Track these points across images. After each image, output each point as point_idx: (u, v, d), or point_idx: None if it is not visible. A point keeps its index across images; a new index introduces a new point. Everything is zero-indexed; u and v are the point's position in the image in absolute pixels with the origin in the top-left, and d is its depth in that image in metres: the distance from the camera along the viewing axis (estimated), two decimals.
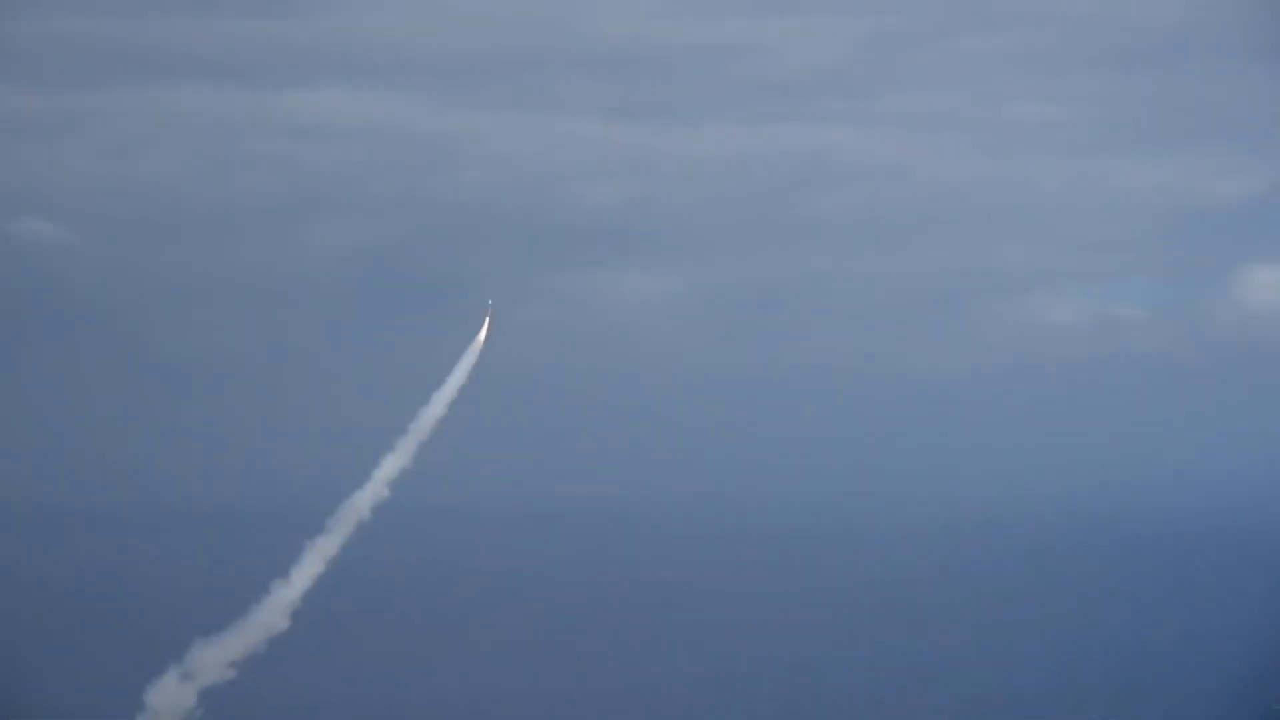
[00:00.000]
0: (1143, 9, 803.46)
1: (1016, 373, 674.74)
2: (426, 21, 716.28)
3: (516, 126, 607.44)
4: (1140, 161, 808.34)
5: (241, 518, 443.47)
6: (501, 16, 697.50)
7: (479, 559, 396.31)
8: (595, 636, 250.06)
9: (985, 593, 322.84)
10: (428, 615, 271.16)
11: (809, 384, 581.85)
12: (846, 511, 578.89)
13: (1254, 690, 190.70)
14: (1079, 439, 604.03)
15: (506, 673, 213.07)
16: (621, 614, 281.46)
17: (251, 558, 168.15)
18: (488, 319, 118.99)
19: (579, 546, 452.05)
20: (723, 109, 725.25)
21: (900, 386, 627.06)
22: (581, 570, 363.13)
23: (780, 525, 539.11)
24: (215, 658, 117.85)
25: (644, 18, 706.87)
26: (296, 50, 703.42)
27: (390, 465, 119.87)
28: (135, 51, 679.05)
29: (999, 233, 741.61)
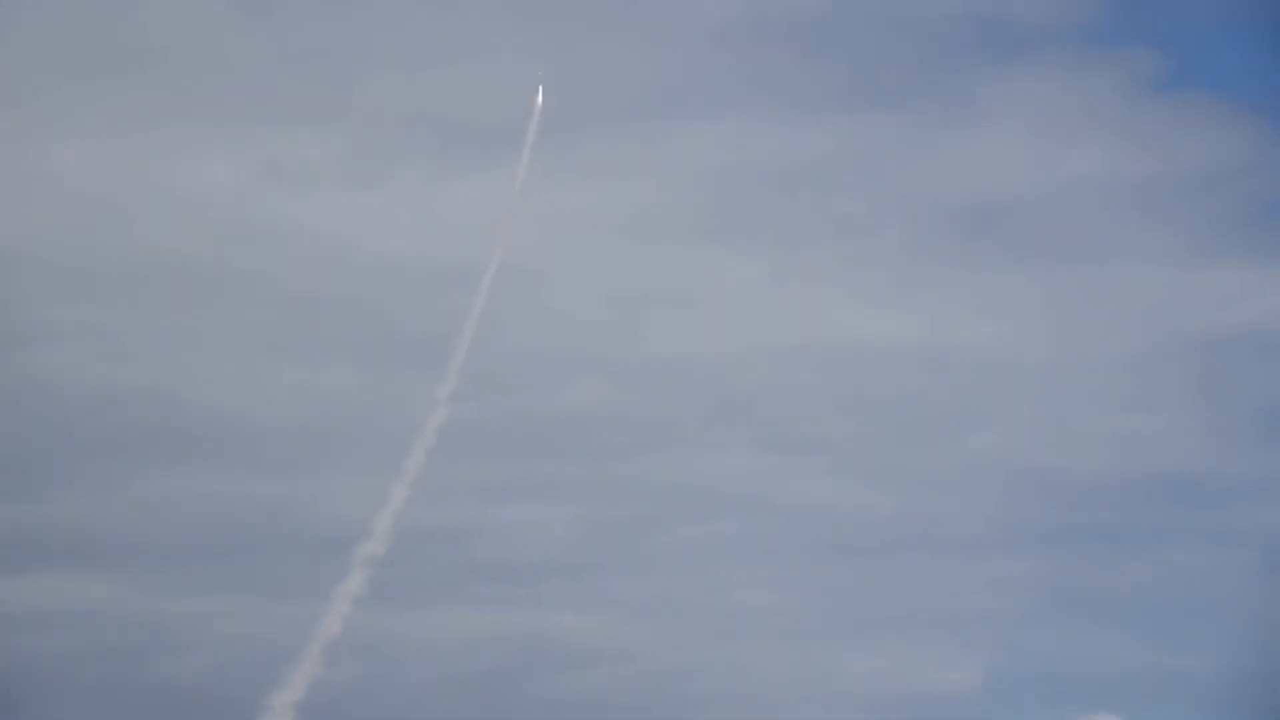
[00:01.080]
0: (859, 505, 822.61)
1: None
2: (138, 505, 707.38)
3: (237, 609, 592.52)
4: (860, 649, 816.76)
5: None
6: (219, 498, 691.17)
7: None
8: None
9: None
10: None
11: None
12: None
13: None
14: None
15: None
16: None
17: None
18: (540, 87, 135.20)
19: None
20: (451, 591, 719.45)
21: None
22: None
23: None
24: None
25: (369, 497, 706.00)
26: (5, 537, 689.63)
27: None
28: None
29: (725, 718, 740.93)
